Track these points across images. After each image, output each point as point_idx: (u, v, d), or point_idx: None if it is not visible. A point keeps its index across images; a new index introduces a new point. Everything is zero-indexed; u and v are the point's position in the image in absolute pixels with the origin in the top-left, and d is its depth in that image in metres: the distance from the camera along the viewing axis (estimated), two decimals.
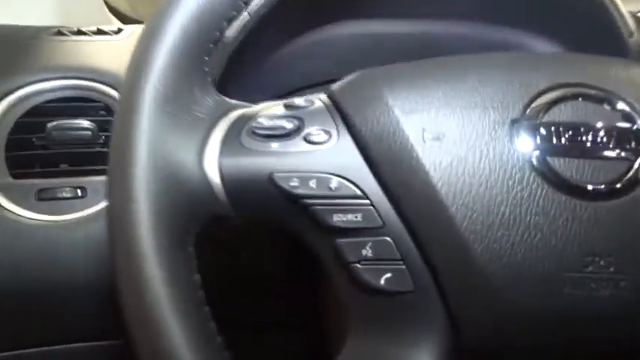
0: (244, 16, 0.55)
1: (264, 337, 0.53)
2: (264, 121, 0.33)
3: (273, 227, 0.35)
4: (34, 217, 0.48)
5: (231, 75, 0.56)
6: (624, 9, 0.57)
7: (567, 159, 0.29)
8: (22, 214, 0.48)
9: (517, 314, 0.29)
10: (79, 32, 0.65)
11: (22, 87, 0.53)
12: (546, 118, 0.30)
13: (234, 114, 0.34)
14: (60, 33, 0.61)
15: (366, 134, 0.31)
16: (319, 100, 0.34)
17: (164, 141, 0.31)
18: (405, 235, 0.30)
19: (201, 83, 0.34)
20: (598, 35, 0.57)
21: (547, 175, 0.29)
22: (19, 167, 0.50)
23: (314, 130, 0.32)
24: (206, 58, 0.34)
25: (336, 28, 0.59)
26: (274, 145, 0.32)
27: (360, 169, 0.31)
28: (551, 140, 0.29)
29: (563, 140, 0.29)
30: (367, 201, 0.30)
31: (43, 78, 0.54)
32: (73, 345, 0.52)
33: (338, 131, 0.32)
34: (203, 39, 0.34)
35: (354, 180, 0.31)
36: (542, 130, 0.30)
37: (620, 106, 0.30)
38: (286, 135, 0.32)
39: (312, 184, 0.30)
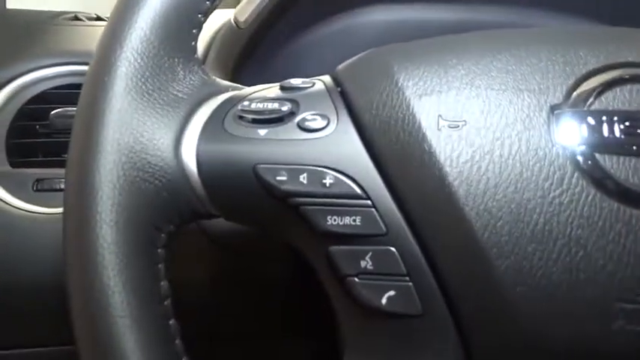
0: (261, 0, 0.52)
1: (272, 343, 0.49)
2: (253, 104, 0.28)
3: (259, 228, 0.30)
4: (29, 209, 0.45)
5: (247, 62, 0.52)
6: None
7: (622, 157, 0.23)
8: (18, 205, 0.45)
9: (550, 353, 0.23)
10: (98, 18, 0.62)
11: (30, 71, 0.51)
12: (596, 105, 0.24)
13: (223, 96, 0.29)
14: (76, 18, 0.59)
15: (370, 120, 0.26)
16: (321, 80, 0.29)
17: (134, 124, 0.26)
18: (413, 246, 0.24)
19: (185, 59, 0.29)
20: (631, 19, 0.50)
21: (595, 176, 0.23)
22: (19, 156, 0.47)
23: (309, 115, 0.27)
24: (194, 31, 0.29)
25: (367, 14, 0.53)
26: (262, 132, 0.27)
27: (362, 162, 0.25)
28: (602, 133, 0.23)
29: (617, 133, 0.23)
30: (368, 201, 0.25)
31: (53, 63, 0.52)
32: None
33: (338, 116, 0.27)
34: (190, 9, 0.29)
35: (353, 175, 0.25)
36: (591, 120, 0.23)
37: None
38: (277, 120, 0.27)
39: (303, 178, 0.25)
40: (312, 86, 0.28)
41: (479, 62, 0.25)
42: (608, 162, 0.23)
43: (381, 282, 0.25)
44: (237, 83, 0.53)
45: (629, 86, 0.24)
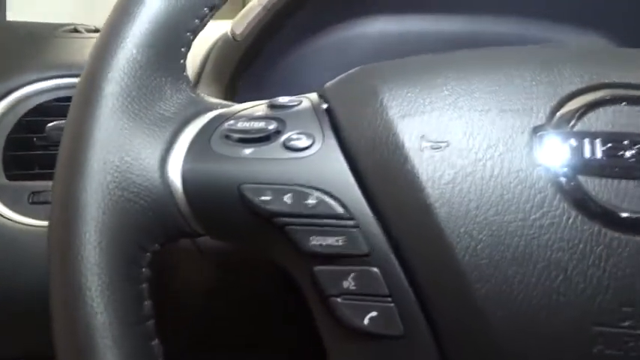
0: (259, 12, 0.52)
1: (265, 357, 0.49)
2: (239, 123, 0.28)
3: (246, 246, 0.30)
4: (25, 222, 0.45)
5: (244, 74, 0.53)
6: None
7: (605, 179, 0.23)
8: (13, 218, 0.45)
9: None
10: (97, 30, 0.62)
11: (29, 84, 0.51)
12: (579, 127, 0.24)
13: (210, 114, 0.29)
14: (75, 30, 0.59)
15: (355, 140, 0.26)
16: (308, 98, 0.29)
17: (120, 144, 0.26)
18: (396, 267, 0.24)
19: (173, 78, 0.29)
20: None
21: (576, 198, 0.23)
22: (15, 168, 0.48)
23: (295, 134, 0.27)
24: (182, 50, 0.30)
25: (363, 26, 0.54)
26: (247, 151, 0.27)
27: (346, 182, 0.25)
28: (584, 154, 0.23)
29: (599, 155, 0.23)
30: (352, 222, 0.25)
31: (52, 75, 0.52)
32: None
33: (323, 136, 0.27)
34: (179, 27, 0.29)
35: (337, 195, 0.25)
36: (573, 142, 0.23)
37: None
38: (262, 139, 0.27)
39: (287, 199, 0.25)
40: (298, 104, 0.28)
41: (463, 83, 0.25)
42: (590, 184, 0.23)
43: (363, 302, 0.25)
44: (234, 96, 0.53)
45: (612, 107, 0.24)
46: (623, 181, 0.23)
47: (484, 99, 0.25)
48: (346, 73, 0.29)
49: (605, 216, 0.22)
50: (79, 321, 0.24)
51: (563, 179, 0.23)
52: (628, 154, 0.23)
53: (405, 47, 0.54)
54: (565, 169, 0.23)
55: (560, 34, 0.55)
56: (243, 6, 0.53)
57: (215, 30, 0.56)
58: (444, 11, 0.53)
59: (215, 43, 0.55)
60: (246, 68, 0.52)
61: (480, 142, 0.24)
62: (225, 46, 0.53)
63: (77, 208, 0.26)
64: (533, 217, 0.23)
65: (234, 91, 0.52)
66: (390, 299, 0.24)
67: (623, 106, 0.24)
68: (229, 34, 0.52)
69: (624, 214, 0.22)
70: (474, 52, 0.28)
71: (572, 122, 0.24)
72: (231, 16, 0.55)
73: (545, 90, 0.24)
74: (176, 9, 0.29)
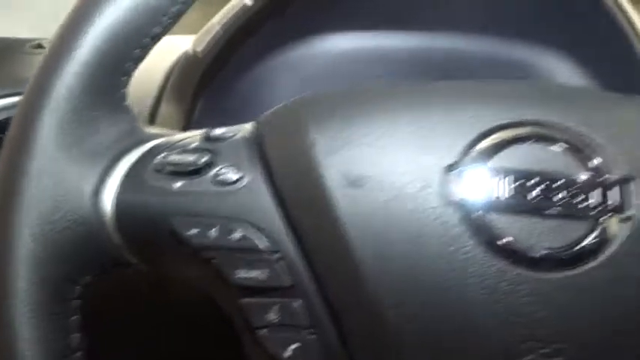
0: (218, 30, 0.52)
1: None
2: (172, 156, 0.28)
3: (180, 277, 0.31)
4: None
5: (205, 91, 0.53)
6: None
7: (513, 216, 0.23)
8: None
9: None
10: None
11: None
12: (491, 165, 0.24)
13: (147, 146, 0.30)
14: (40, 46, 0.59)
15: (283, 174, 0.26)
16: (245, 129, 0.30)
17: (53, 176, 0.27)
18: (318, 300, 0.25)
19: (111, 109, 0.30)
20: (615, 58, 0.51)
21: (485, 235, 0.23)
22: None
23: (225, 168, 0.27)
24: (122, 79, 0.30)
25: (324, 41, 0.54)
26: (177, 184, 0.27)
27: (272, 216, 0.26)
28: (495, 192, 0.24)
29: (509, 193, 0.24)
30: (276, 255, 0.26)
31: (14, 92, 0.52)
32: None
33: (253, 169, 0.27)
34: (119, 57, 0.29)
35: (262, 229, 0.26)
36: (484, 179, 0.24)
37: (587, 151, 0.24)
38: (193, 172, 0.27)
39: (213, 232, 0.26)
40: (233, 136, 0.29)
41: (386, 118, 0.26)
42: (499, 221, 0.24)
43: (286, 334, 0.25)
44: (196, 113, 0.54)
45: (523, 146, 0.24)
46: (531, 219, 0.23)
47: (404, 135, 0.25)
48: (282, 104, 0.30)
49: (510, 253, 0.23)
50: (6, 353, 0.24)
51: (474, 216, 0.24)
52: (535, 192, 0.23)
53: (365, 63, 0.55)
54: (476, 207, 0.24)
55: (528, 55, 0.56)
56: None
57: (178, 46, 0.56)
58: (403, 28, 0.54)
59: (178, 61, 0.55)
60: (206, 87, 0.52)
61: (399, 178, 0.25)
62: (187, 63, 0.53)
63: (8, 239, 0.26)
64: (445, 252, 0.23)
65: (196, 109, 0.52)
66: (312, 331, 0.25)
67: (536, 144, 0.24)
68: (190, 51, 0.53)
69: (529, 252, 0.23)
70: (401, 87, 0.28)
71: (485, 160, 0.24)
72: (196, 30, 0.55)
73: (461, 127, 0.25)
74: (116, 39, 0.29)
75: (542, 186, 0.24)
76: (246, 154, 0.28)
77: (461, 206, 0.24)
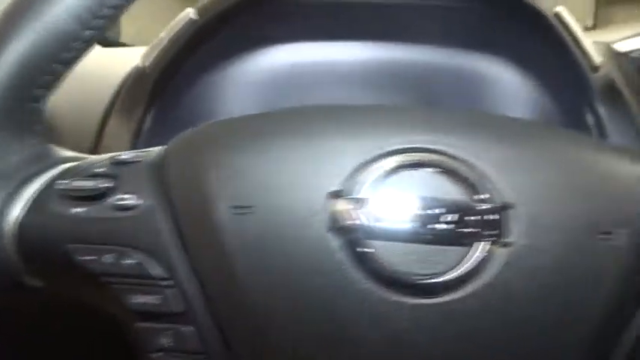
0: (164, 45, 0.53)
1: None
2: (76, 181, 0.29)
3: (83, 300, 0.31)
4: None
5: (153, 106, 0.53)
6: (589, 42, 0.51)
7: (393, 243, 0.24)
8: None
9: None
10: None
11: None
12: (370, 192, 0.24)
13: (55, 170, 0.30)
14: None
15: (179, 201, 0.27)
16: (151, 154, 0.30)
17: None
18: (211, 326, 0.25)
19: (20, 134, 0.30)
20: (556, 67, 0.51)
21: (365, 262, 0.24)
22: None
23: (125, 193, 0.28)
24: (33, 105, 0.30)
25: (270, 54, 0.54)
26: (78, 210, 0.28)
27: (168, 242, 0.26)
28: (374, 219, 0.24)
29: (390, 220, 0.24)
30: (168, 281, 0.26)
31: None
32: None
33: (152, 196, 0.27)
34: (26, 85, 0.30)
35: (157, 255, 0.26)
36: (364, 207, 0.24)
37: (470, 178, 0.24)
38: (94, 198, 0.28)
39: (109, 258, 0.26)
40: (138, 161, 0.29)
41: (273, 146, 0.26)
42: (378, 249, 0.24)
43: (179, 359, 0.26)
44: (146, 128, 0.54)
45: (409, 172, 0.25)
46: (411, 246, 0.24)
47: (290, 161, 0.26)
48: (189, 130, 0.30)
49: (386, 279, 0.23)
50: None
51: (353, 244, 0.24)
52: (415, 219, 0.24)
53: (313, 75, 0.55)
54: (356, 234, 0.24)
55: (472, 63, 0.56)
56: None
57: (129, 61, 0.56)
58: (351, 39, 0.54)
59: (128, 76, 0.55)
60: (155, 101, 0.52)
61: (284, 206, 0.25)
62: (136, 78, 0.53)
63: None
64: (329, 280, 0.24)
65: (145, 124, 0.52)
66: (203, 357, 0.25)
67: (420, 171, 0.25)
68: (139, 65, 0.53)
69: (408, 279, 0.23)
70: (291, 112, 0.29)
71: (366, 188, 0.25)
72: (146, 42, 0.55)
73: (348, 154, 0.25)
74: (25, 64, 0.29)
75: (423, 213, 0.24)
76: (147, 179, 0.28)
77: (343, 233, 0.24)
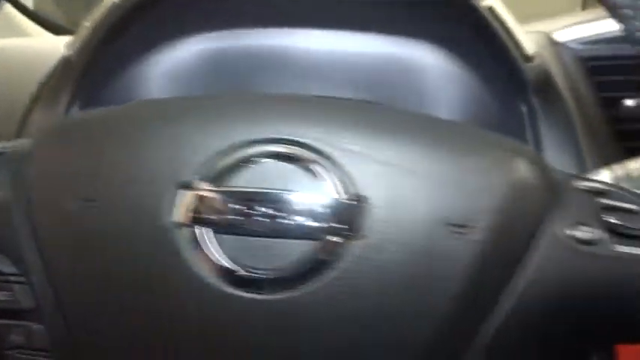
0: (88, 33, 0.51)
1: None
2: None
3: None
4: None
5: (78, 97, 0.52)
6: (522, 32, 0.50)
7: (235, 238, 0.23)
8: None
9: None
10: None
11: None
12: (220, 184, 0.23)
13: None
14: None
15: (37, 196, 0.26)
16: (20, 145, 0.29)
17: None
18: (60, 321, 0.24)
19: None
20: (489, 58, 0.50)
21: (205, 257, 0.23)
22: None
23: None
24: None
25: (189, 44, 0.53)
26: None
27: (20, 239, 0.25)
28: (219, 213, 0.23)
29: (234, 213, 0.23)
30: (22, 278, 0.25)
31: None
32: None
33: (10, 189, 0.26)
34: None
35: (10, 251, 0.25)
36: (208, 200, 0.23)
37: (322, 171, 0.23)
38: None
39: None
40: (2, 153, 0.28)
41: (125, 137, 0.25)
42: (220, 243, 0.22)
43: (32, 357, 0.25)
44: (71, 117, 0.52)
45: (258, 164, 0.23)
46: (255, 240, 0.22)
47: (141, 154, 0.24)
48: (56, 122, 0.29)
49: (226, 274, 0.22)
50: None
51: (197, 237, 0.23)
52: (261, 212, 0.23)
53: (231, 63, 0.54)
54: (198, 227, 0.23)
55: (406, 50, 0.55)
56: None
57: (58, 50, 0.55)
58: (260, 26, 0.53)
59: (56, 66, 0.54)
60: (81, 90, 0.51)
61: (128, 196, 0.24)
62: (61, 67, 0.52)
63: None
64: (166, 273, 0.22)
65: (71, 113, 0.51)
66: (51, 354, 0.24)
67: (269, 164, 0.23)
68: (64, 55, 0.52)
69: (251, 273, 0.22)
70: (152, 103, 0.27)
71: (216, 179, 0.23)
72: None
73: (196, 148, 0.24)
74: None
75: (272, 206, 0.23)
76: (8, 172, 0.27)
77: (187, 225, 0.23)
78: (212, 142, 0.24)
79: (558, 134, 0.48)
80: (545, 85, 0.49)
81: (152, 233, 0.23)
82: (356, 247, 0.22)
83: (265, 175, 0.23)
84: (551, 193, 0.24)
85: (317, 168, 0.23)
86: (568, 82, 0.50)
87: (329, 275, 0.22)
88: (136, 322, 0.23)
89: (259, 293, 0.22)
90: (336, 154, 0.23)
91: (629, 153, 0.40)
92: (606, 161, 0.41)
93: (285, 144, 0.24)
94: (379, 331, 0.22)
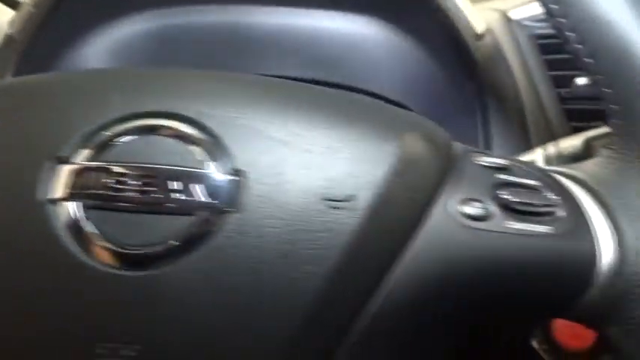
0: (29, 10, 0.50)
1: None
2: None
3: None
4: None
5: (22, 75, 0.51)
6: (472, 10, 0.48)
7: (107, 213, 0.22)
8: None
9: None
10: None
11: None
12: (96, 158, 0.22)
13: None
14: None
15: None
16: None
17: None
18: None
19: None
20: (438, 35, 0.49)
21: (78, 232, 0.22)
22: None
23: None
24: None
25: (134, 23, 0.52)
26: None
27: None
28: (90, 188, 0.22)
29: (106, 188, 0.22)
30: None
31: None
32: None
33: None
34: None
35: None
36: (82, 175, 0.22)
37: (195, 141, 0.22)
38: None
39: None
40: None
41: (4, 110, 0.24)
42: (92, 218, 0.22)
43: None
44: None
45: (135, 138, 0.22)
46: (127, 215, 0.22)
47: (17, 127, 0.23)
48: None
49: (101, 251, 0.21)
50: None
51: (70, 213, 0.22)
52: (133, 187, 0.22)
53: (179, 40, 0.53)
54: (74, 202, 0.22)
55: (350, 25, 0.53)
56: None
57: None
58: (209, 2, 0.52)
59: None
60: (24, 69, 0.50)
61: (11, 167, 0.23)
62: (4, 46, 0.51)
63: None
64: (42, 253, 0.22)
65: None
66: None
67: (147, 137, 0.22)
68: (8, 32, 0.51)
69: (121, 249, 0.21)
70: (35, 79, 0.26)
71: (94, 153, 0.22)
72: None
73: (75, 118, 0.23)
74: None
75: (147, 181, 0.22)
76: None
77: (60, 201, 0.22)
78: (91, 115, 0.23)
79: (506, 112, 0.47)
80: (494, 63, 0.48)
81: (26, 209, 0.22)
82: (230, 222, 0.21)
83: (143, 149, 0.22)
84: (447, 168, 0.23)
85: (193, 141, 0.22)
86: (520, 60, 0.49)
87: (201, 251, 0.21)
88: (9, 303, 0.22)
89: (130, 269, 0.21)
90: (218, 129, 0.22)
91: (578, 132, 0.40)
92: (555, 140, 0.41)
93: (165, 118, 0.23)
94: (251, 309, 0.21)
